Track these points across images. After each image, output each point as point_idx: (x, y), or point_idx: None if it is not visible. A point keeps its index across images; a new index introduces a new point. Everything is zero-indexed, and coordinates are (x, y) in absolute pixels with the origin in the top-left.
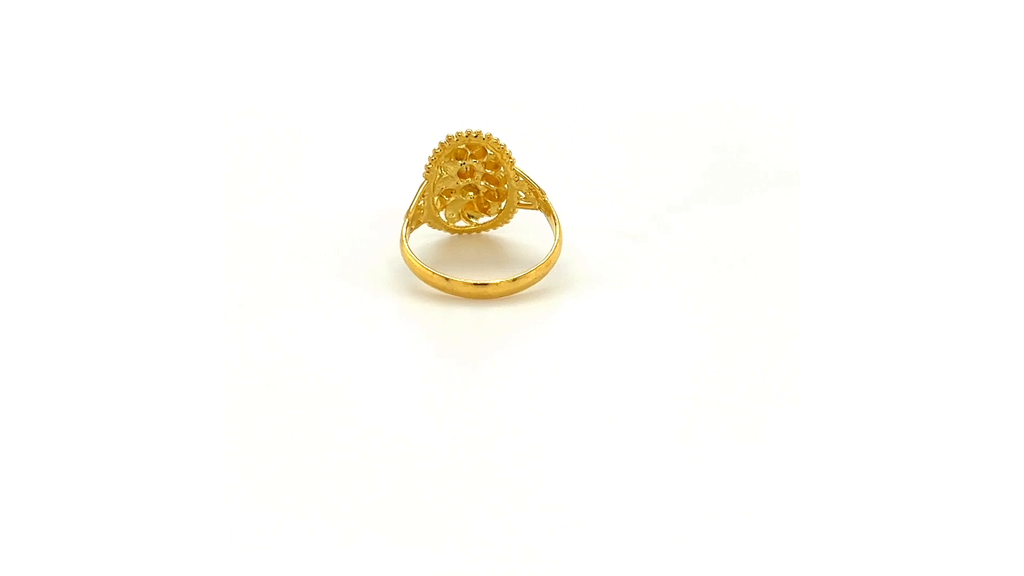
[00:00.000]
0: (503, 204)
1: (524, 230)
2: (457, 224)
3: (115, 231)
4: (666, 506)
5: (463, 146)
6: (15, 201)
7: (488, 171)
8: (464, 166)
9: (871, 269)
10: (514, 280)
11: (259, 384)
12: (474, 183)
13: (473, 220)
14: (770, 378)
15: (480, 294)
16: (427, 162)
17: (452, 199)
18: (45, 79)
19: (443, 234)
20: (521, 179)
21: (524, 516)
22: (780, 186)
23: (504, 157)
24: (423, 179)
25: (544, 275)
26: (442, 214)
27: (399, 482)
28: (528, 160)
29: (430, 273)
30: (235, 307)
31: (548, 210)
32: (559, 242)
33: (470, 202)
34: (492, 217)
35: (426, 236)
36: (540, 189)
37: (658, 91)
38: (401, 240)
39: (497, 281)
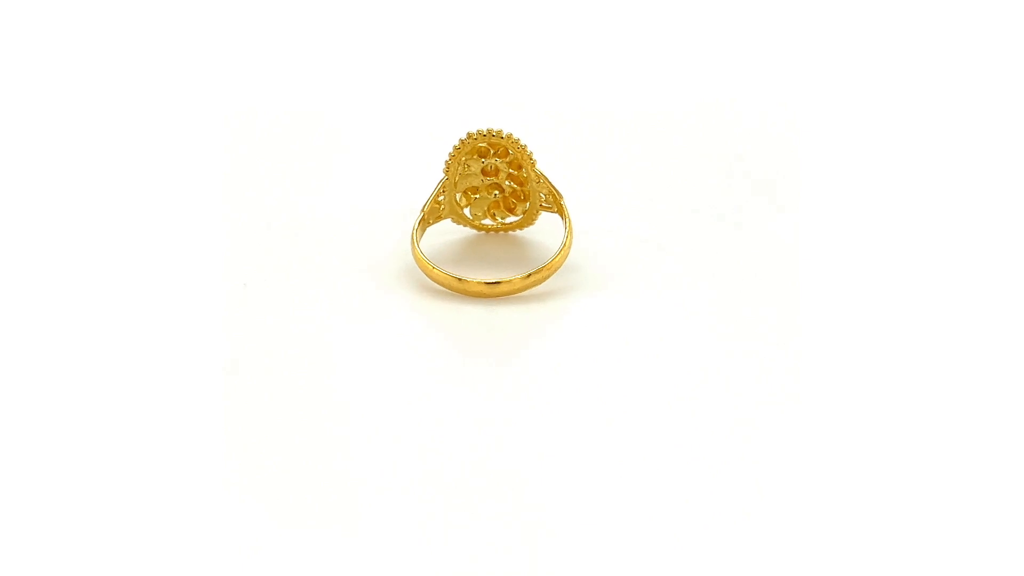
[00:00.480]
0: (527, 205)
1: (533, 231)
2: (483, 222)
3: (131, 229)
4: (666, 506)
5: (484, 144)
6: (40, 201)
7: (512, 171)
8: (488, 164)
9: (879, 278)
10: (527, 276)
11: (265, 380)
12: (498, 182)
13: (499, 220)
14: (773, 381)
15: (492, 292)
16: (447, 158)
17: (478, 196)
18: (58, 80)
19: (450, 232)
20: (542, 181)
21: (525, 515)
22: (787, 189)
23: (525, 158)
24: (443, 175)
25: (550, 275)
26: (467, 211)
27: (406, 480)
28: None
29: (441, 274)
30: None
31: (563, 213)
32: (566, 245)
33: (496, 201)
34: (519, 217)
35: (433, 235)
36: (558, 192)
37: (663, 93)
38: (412, 241)
39: (509, 278)
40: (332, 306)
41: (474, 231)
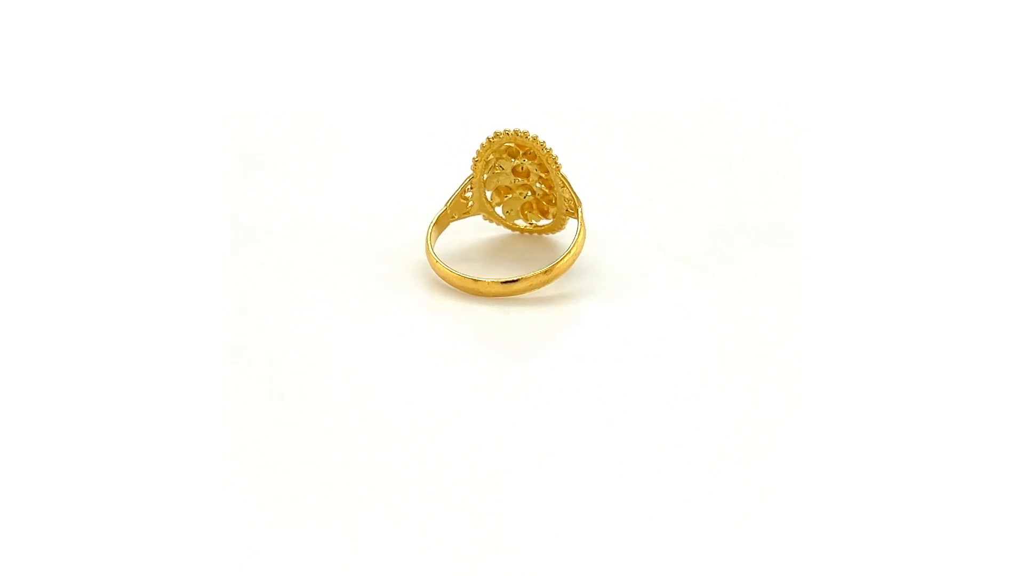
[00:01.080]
0: (557, 208)
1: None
2: (516, 222)
3: (150, 229)
4: (668, 507)
5: (512, 144)
6: (42, 201)
7: (542, 174)
8: (519, 165)
9: (881, 278)
10: (546, 272)
11: (271, 379)
12: (529, 184)
13: (532, 222)
14: (778, 384)
15: (504, 292)
16: (474, 155)
17: (511, 196)
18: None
19: (460, 231)
20: (565, 185)
21: (528, 515)
22: (789, 191)
23: (550, 161)
24: (471, 171)
25: (554, 277)
26: (499, 209)
27: (410, 480)
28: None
29: (457, 276)
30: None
31: (580, 219)
32: (572, 252)
33: (528, 202)
34: (550, 221)
35: (443, 234)
36: (578, 199)
37: (664, 94)
38: (427, 246)
39: (527, 275)
40: (339, 305)
41: (488, 232)
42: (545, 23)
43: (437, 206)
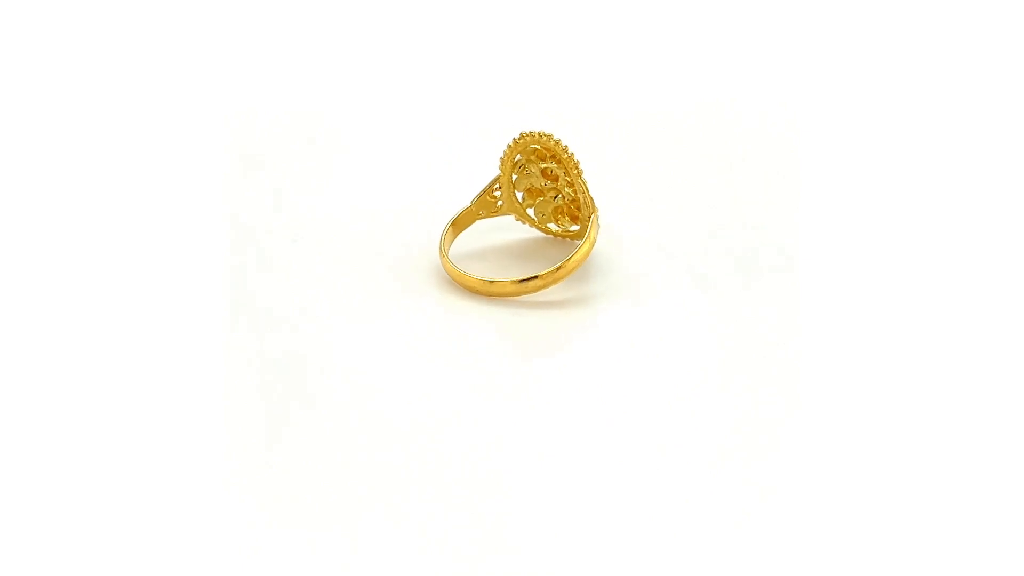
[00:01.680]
0: (582, 215)
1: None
2: (548, 225)
3: (150, 229)
4: (667, 507)
5: (537, 146)
6: (42, 201)
7: (568, 179)
8: (548, 168)
9: (882, 279)
10: (558, 269)
11: (274, 379)
12: (558, 188)
13: (563, 227)
14: (778, 385)
15: (521, 291)
16: (501, 156)
17: (542, 199)
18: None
19: (468, 232)
20: (584, 192)
21: (528, 515)
22: (789, 191)
23: (571, 166)
24: (499, 171)
25: (559, 278)
26: (530, 211)
27: (419, 480)
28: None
29: (471, 279)
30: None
31: (592, 223)
32: (583, 248)
33: (559, 206)
34: (579, 227)
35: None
36: (592, 204)
37: (664, 94)
38: (441, 247)
39: (542, 273)
40: (340, 305)
41: (496, 235)
42: (546, 23)
43: (438, 206)
